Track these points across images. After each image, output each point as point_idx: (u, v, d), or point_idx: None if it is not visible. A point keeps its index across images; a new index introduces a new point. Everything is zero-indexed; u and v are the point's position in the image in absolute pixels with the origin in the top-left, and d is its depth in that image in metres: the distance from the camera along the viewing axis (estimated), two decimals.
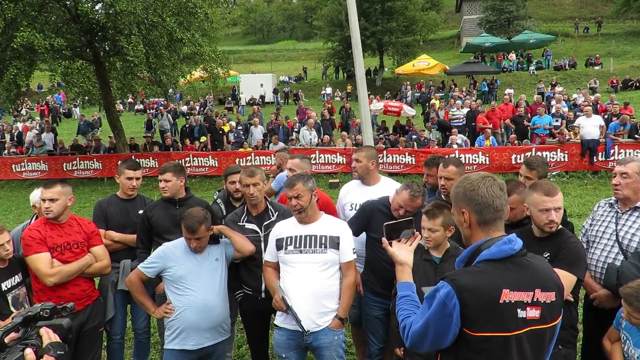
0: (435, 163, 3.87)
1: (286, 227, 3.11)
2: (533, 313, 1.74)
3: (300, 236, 3.02)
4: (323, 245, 2.99)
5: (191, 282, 3.09)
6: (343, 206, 3.98)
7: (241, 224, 3.47)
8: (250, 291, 3.44)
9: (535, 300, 1.74)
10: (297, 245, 3.01)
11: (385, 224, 2.20)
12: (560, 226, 2.73)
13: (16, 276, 3.25)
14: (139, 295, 3.23)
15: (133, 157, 15.12)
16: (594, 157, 12.55)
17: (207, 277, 3.13)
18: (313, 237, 3.01)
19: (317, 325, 2.96)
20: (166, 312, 3.13)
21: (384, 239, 2.14)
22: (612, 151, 12.46)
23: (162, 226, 3.64)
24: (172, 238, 3.35)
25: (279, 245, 3.07)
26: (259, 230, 3.43)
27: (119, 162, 4.18)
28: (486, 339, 1.70)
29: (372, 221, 3.39)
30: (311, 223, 3.06)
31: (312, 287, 2.95)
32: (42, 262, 3.18)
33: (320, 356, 3.04)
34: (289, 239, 3.04)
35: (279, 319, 3.09)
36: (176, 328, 3.09)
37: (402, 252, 2.13)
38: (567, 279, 2.39)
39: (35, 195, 3.77)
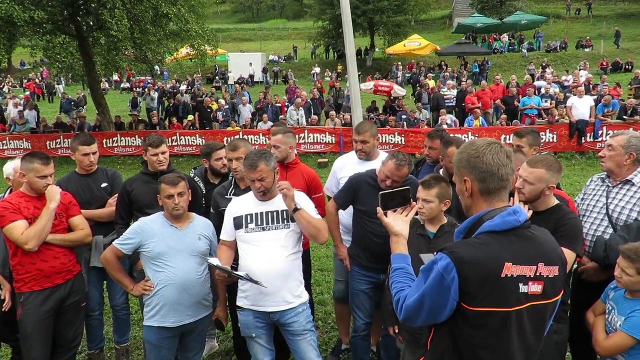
0: (438, 135, 3.73)
1: (244, 204, 2.96)
2: (535, 288, 1.65)
3: (262, 213, 2.89)
4: (285, 220, 2.88)
5: (171, 259, 2.97)
6: (338, 180, 3.84)
7: (228, 197, 3.39)
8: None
9: (538, 274, 1.65)
10: (259, 223, 2.88)
11: (380, 192, 2.09)
12: (557, 202, 2.70)
13: None
14: (115, 272, 3.11)
15: (118, 136, 14.86)
16: (582, 138, 12.58)
17: (187, 253, 3.01)
18: (275, 213, 2.89)
19: (288, 303, 2.87)
20: (145, 290, 3.02)
21: (379, 209, 2.03)
22: (600, 132, 12.49)
23: (143, 200, 3.52)
24: (153, 213, 3.22)
25: (238, 223, 2.92)
26: None
27: (71, 139, 3.95)
28: (485, 314, 1.62)
29: (359, 194, 3.31)
30: (270, 199, 2.93)
31: (278, 265, 2.82)
32: (18, 229, 3.05)
33: (287, 331, 2.94)
34: (249, 216, 2.90)
35: (242, 301, 2.96)
36: (155, 305, 2.99)
37: (398, 222, 2.02)
38: (567, 255, 2.32)
39: (9, 167, 3.62)
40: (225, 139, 13.90)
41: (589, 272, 2.91)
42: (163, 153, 3.60)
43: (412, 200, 2.15)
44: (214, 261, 2.79)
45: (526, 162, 2.65)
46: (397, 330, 3.02)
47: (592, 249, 2.89)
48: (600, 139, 12.32)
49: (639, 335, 2.38)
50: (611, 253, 2.65)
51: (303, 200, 2.94)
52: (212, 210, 3.49)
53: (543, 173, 2.57)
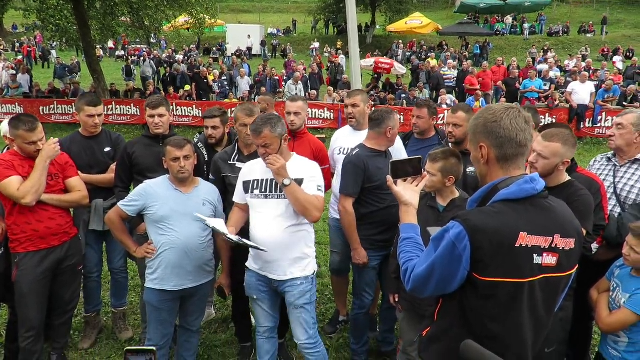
0: (426, 104, 3.73)
1: (253, 169, 2.90)
2: (550, 260, 1.60)
3: (266, 180, 2.81)
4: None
5: (174, 222, 2.93)
6: (333, 150, 3.85)
7: (232, 162, 3.32)
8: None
9: (553, 246, 1.60)
10: (263, 190, 2.82)
11: (391, 161, 2.03)
12: (569, 178, 2.67)
13: None
14: (119, 233, 3.07)
15: (113, 104, 14.62)
16: (581, 123, 12.57)
17: (191, 218, 2.96)
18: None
19: (286, 274, 2.81)
20: (148, 252, 2.98)
21: (389, 177, 1.97)
22: (599, 118, 12.48)
23: (144, 164, 3.44)
24: (155, 177, 3.15)
25: (246, 187, 2.88)
26: None
27: (77, 98, 3.83)
28: (496, 284, 1.56)
29: (368, 172, 3.18)
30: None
31: (277, 235, 2.76)
32: (13, 184, 2.98)
33: (288, 302, 2.91)
34: (255, 182, 2.84)
35: (250, 262, 2.96)
36: (157, 267, 2.96)
37: (408, 192, 1.94)
38: None
39: (5, 125, 3.51)
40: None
41: (597, 251, 2.89)
42: (160, 116, 3.49)
43: (423, 170, 2.10)
44: (212, 222, 2.74)
45: (541, 136, 2.61)
46: (397, 299, 3.02)
47: (604, 228, 2.87)
48: (599, 125, 12.32)
49: None
50: (625, 232, 2.63)
51: (308, 171, 2.82)
52: (211, 176, 3.42)
53: (559, 147, 2.53)
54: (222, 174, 3.33)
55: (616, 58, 21.97)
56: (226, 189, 3.29)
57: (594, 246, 2.82)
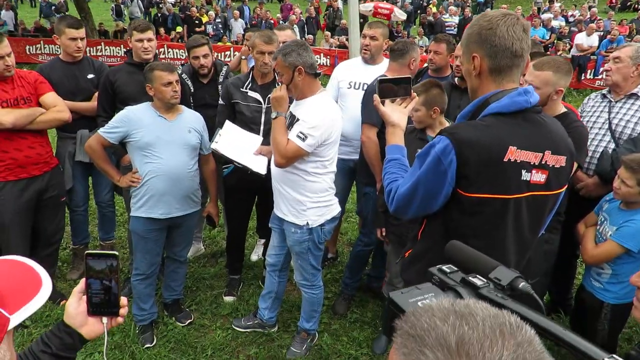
0: (445, 39, 3.51)
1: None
2: (538, 177, 1.53)
3: (289, 113, 2.67)
4: (289, 127, 2.61)
5: (160, 149, 2.85)
6: (338, 83, 3.60)
7: (244, 90, 3.19)
8: (240, 165, 3.17)
9: (543, 163, 1.53)
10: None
11: (379, 78, 1.92)
12: (565, 109, 2.59)
13: None
14: (101, 162, 2.98)
15: (102, 44, 14.13)
16: (582, 75, 12.33)
17: (177, 145, 2.89)
18: (290, 116, 2.67)
19: (284, 214, 2.75)
20: (132, 181, 2.92)
21: (376, 96, 1.86)
22: (601, 69, 12.22)
23: (127, 92, 3.31)
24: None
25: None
26: (261, 100, 3.19)
27: (57, 20, 3.62)
28: (482, 201, 1.50)
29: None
30: (299, 101, 2.64)
31: (274, 170, 2.70)
32: None
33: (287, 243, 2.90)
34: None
35: None
36: (143, 195, 2.90)
37: (395, 113, 1.84)
38: None
39: None
40: (215, 54, 13.33)
41: (589, 187, 2.86)
42: (149, 40, 3.34)
43: (413, 92, 1.98)
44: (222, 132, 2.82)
45: (532, 65, 2.49)
46: (384, 234, 3.01)
47: (597, 162, 2.83)
48: (600, 77, 12.08)
49: (628, 244, 2.38)
50: (619, 165, 2.59)
51: (308, 116, 2.52)
52: (220, 102, 3.30)
53: (550, 75, 2.43)
54: (232, 100, 3.21)
55: None
56: (234, 116, 3.21)
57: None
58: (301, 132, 2.47)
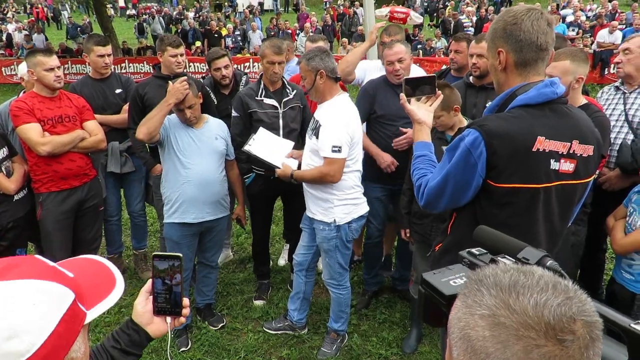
0: (465, 38, 3.52)
1: None
2: (567, 166, 1.56)
3: (312, 118, 2.87)
4: (313, 131, 2.77)
5: (190, 156, 2.99)
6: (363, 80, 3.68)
7: (259, 98, 3.29)
8: (262, 171, 3.32)
9: (571, 152, 1.55)
10: (308, 126, 2.89)
11: (405, 78, 1.98)
12: (586, 100, 2.59)
13: (4, 149, 3.12)
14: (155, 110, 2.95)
15: (126, 62, 14.56)
16: (606, 69, 12.07)
17: (207, 152, 3.03)
18: (314, 120, 2.81)
19: (312, 212, 2.87)
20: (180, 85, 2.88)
21: (402, 95, 1.93)
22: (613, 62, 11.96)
23: (156, 103, 3.34)
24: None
25: None
26: (278, 106, 3.30)
27: (85, 40, 3.84)
28: (512, 190, 1.54)
29: (377, 98, 3.21)
30: (321, 104, 2.80)
31: (305, 173, 2.84)
32: (32, 131, 3.03)
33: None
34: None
35: None
36: (175, 201, 3.03)
37: (421, 111, 1.90)
38: None
39: (24, 67, 3.53)
40: (235, 66, 13.58)
41: (611, 180, 2.84)
42: (182, 55, 3.52)
43: (438, 90, 2.03)
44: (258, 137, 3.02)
45: None
46: (408, 234, 3.05)
47: (617, 154, 2.82)
48: None
49: None
50: (639, 156, 2.57)
51: (329, 122, 2.66)
52: (234, 113, 3.38)
53: (567, 64, 2.44)
54: (249, 110, 3.32)
55: None
56: (251, 125, 3.32)
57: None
58: (334, 146, 2.62)
